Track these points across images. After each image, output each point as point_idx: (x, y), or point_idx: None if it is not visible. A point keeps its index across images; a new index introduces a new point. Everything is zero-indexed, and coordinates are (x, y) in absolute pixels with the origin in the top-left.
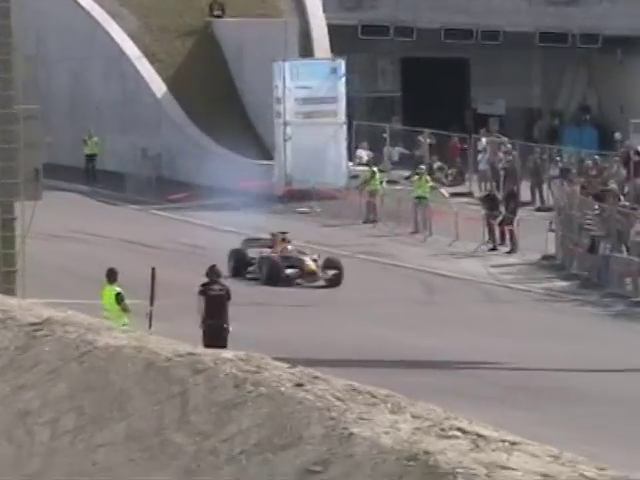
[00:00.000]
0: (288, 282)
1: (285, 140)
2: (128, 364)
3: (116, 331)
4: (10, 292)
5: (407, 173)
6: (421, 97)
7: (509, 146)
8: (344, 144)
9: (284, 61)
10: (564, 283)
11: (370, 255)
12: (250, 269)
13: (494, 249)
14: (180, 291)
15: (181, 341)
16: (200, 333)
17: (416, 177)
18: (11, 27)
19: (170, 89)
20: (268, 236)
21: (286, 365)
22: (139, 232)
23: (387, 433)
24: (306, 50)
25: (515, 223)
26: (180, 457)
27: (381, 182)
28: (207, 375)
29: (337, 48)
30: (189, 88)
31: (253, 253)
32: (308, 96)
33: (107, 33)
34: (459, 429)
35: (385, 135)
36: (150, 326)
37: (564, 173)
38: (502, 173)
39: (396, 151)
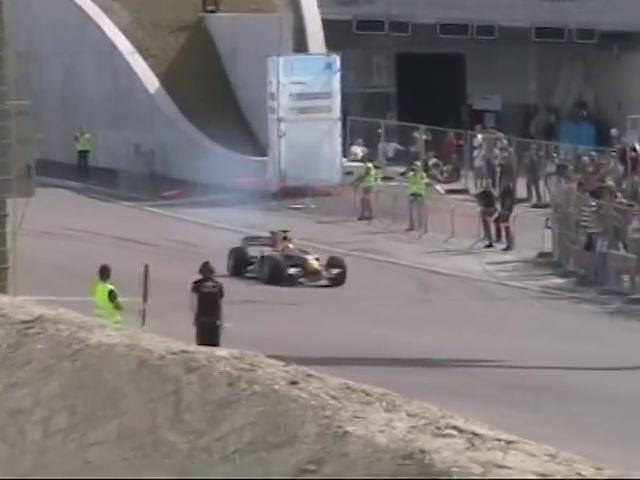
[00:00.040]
0: (290, 281)
1: (279, 136)
2: (121, 362)
3: (109, 329)
4: (2, 289)
5: (402, 169)
6: (416, 93)
7: (505, 142)
8: (339, 140)
9: (278, 56)
10: (561, 280)
11: (365, 252)
12: (250, 268)
13: (490, 246)
14: (173, 288)
15: (174, 339)
16: (193, 330)
17: (411, 173)
18: (3, 22)
19: (163, 85)
20: (268, 234)
21: (280, 363)
22: (132, 229)
23: (382, 432)
24: (300, 45)
25: (511, 220)
26: (173, 456)
27: (376, 178)
28: (201, 373)
29: (332, 43)
30: (182, 84)
31: (253, 252)
32: (302, 92)
33: (99, 28)
34: (455, 428)
35: (380, 131)
36: (143, 324)
37: (561, 169)
38: (498, 169)
39: (391, 147)
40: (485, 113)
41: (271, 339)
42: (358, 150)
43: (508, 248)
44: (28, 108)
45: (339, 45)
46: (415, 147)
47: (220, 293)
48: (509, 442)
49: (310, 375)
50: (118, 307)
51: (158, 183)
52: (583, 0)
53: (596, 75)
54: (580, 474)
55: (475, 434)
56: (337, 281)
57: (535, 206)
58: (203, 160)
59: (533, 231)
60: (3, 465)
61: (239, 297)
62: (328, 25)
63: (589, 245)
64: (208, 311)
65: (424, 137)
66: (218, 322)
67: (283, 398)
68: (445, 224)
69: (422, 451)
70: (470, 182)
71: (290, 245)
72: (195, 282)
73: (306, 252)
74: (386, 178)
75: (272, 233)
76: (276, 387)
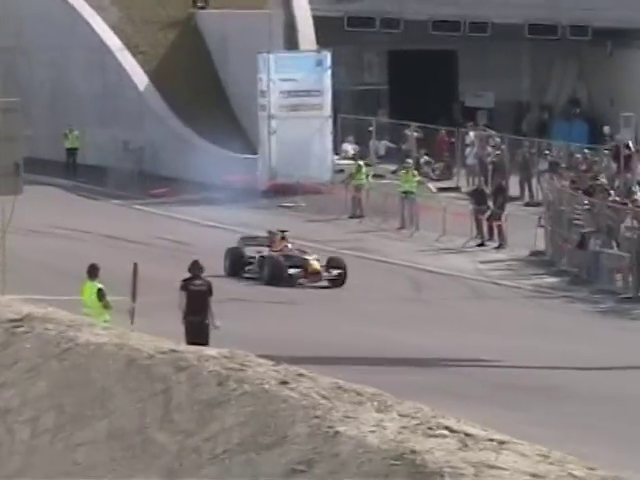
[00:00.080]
0: (291, 282)
1: (269, 133)
2: (109, 361)
3: (97, 328)
4: None
5: (394, 167)
6: (408, 90)
7: (497, 140)
8: (329, 138)
9: (269, 53)
10: (553, 279)
11: (356, 251)
12: (248, 268)
13: (482, 245)
14: (162, 287)
15: (163, 338)
16: (183, 329)
17: (403, 171)
18: None
19: (153, 81)
20: (265, 234)
21: (270, 363)
22: (121, 227)
23: (373, 432)
24: (291, 42)
25: (503, 218)
26: (162, 456)
27: (367, 176)
28: (190, 373)
29: (323, 40)
30: (172, 80)
31: (249, 252)
32: (293, 89)
33: (88, 25)
34: (446, 428)
35: (371, 128)
36: (132, 323)
37: (553, 167)
38: (490, 167)
39: (382, 145)
40: (477, 110)
41: (261, 338)
42: (349, 148)
43: (500, 247)
44: (16, 105)
45: (330, 42)
46: (407, 145)
47: (209, 292)
48: (501, 442)
49: (301, 375)
50: (107, 306)
51: (147, 181)
52: None
53: (589, 72)
54: (572, 474)
55: (467, 434)
56: (337, 282)
57: (528, 204)
58: (193, 158)
59: (525, 229)
60: None
61: (239, 297)
62: (319, 22)
63: (582, 244)
64: (197, 310)
65: (416, 135)
66: (207, 321)
67: (273, 398)
68: (437, 222)
69: (414, 452)
70: (462, 180)
71: (289, 245)
72: (184, 280)
73: (305, 252)
74: (377, 176)
75: (270, 233)
76: (266, 387)
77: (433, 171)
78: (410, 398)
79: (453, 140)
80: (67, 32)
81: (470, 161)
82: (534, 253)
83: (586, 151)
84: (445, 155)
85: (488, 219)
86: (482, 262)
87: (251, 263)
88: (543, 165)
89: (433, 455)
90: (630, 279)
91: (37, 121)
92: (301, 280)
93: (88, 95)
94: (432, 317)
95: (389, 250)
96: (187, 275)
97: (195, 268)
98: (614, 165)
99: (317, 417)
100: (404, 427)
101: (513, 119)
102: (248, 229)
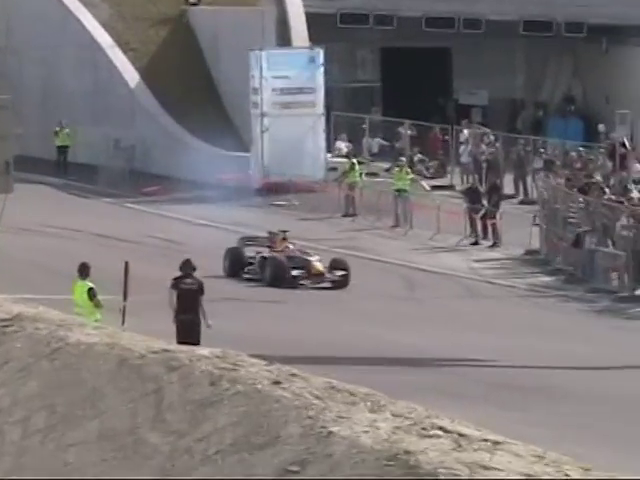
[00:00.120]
0: (293, 283)
1: (262, 131)
2: (100, 361)
3: (88, 327)
4: None
5: (387, 165)
6: (402, 87)
7: (492, 137)
8: (322, 135)
9: (261, 50)
10: (548, 278)
11: (349, 249)
12: (248, 269)
13: (476, 243)
14: (154, 286)
15: (155, 337)
16: (174, 329)
17: (396, 169)
18: None
19: (144, 79)
20: (265, 234)
21: (263, 362)
22: (112, 226)
23: (367, 432)
24: (284, 39)
25: (498, 217)
26: (154, 457)
27: (360, 174)
28: (182, 372)
29: (315, 37)
30: (164, 78)
31: (249, 252)
32: (286, 86)
33: (79, 22)
34: (440, 428)
35: (364, 126)
36: (123, 322)
37: (548, 165)
38: (484, 165)
39: (376, 143)
40: (472, 108)
41: (254, 338)
42: (342, 145)
43: (495, 245)
44: (7, 103)
45: (323, 39)
46: (400, 142)
47: (200, 291)
48: (496, 443)
49: (294, 375)
50: (98, 305)
51: (138, 179)
52: None
53: (584, 69)
54: (567, 475)
55: (461, 435)
56: (341, 283)
57: (522, 202)
58: (184, 156)
59: (520, 228)
60: None
61: (232, 297)
62: (312, 18)
63: (577, 242)
64: (187, 308)
65: (409, 132)
66: (197, 320)
67: (266, 398)
68: (431, 221)
69: (407, 452)
70: (456, 178)
71: (290, 246)
72: (175, 279)
73: (308, 253)
74: (371, 174)
75: (270, 233)
76: (259, 387)
77: (427, 169)
78: (404, 398)
79: (447, 138)
80: (57, 29)
81: (464, 159)
82: (529, 252)
83: (581, 149)
84: (439, 153)
85: (482, 217)
86: (476, 261)
87: (251, 264)
88: (538, 163)
89: (427, 455)
90: (626, 278)
91: (28, 119)
92: (304, 281)
93: (79, 93)
94: (426, 316)
95: (382, 249)
96: (178, 273)
97: (186, 267)
98: (609, 163)
99: (310, 417)
100: (398, 427)
101: (508, 117)
102: (241, 228)
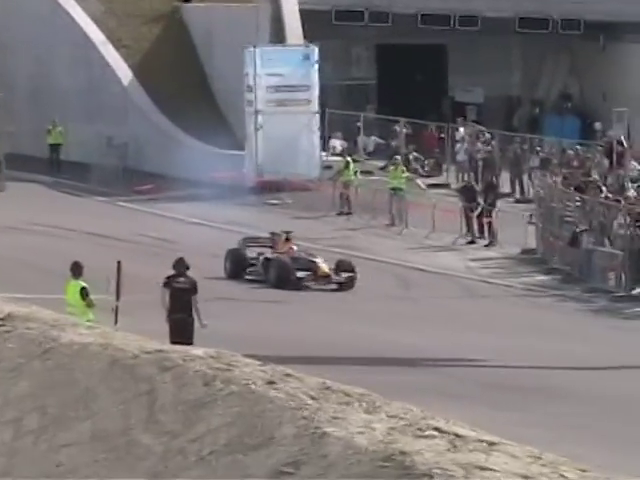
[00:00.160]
0: (298, 285)
1: (256, 129)
2: (93, 361)
3: (81, 327)
4: None
5: (382, 163)
6: (397, 85)
7: (488, 136)
8: (317, 133)
9: (255, 47)
10: (545, 278)
11: (344, 248)
12: (250, 270)
13: (472, 242)
14: (147, 285)
15: (148, 337)
16: (167, 328)
17: (392, 168)
18: None
19: (137, 76)
20: (267, 235)
21: (257, 362)
22: (105, 225)
23: (361, 433)
24: (278, 36)
25: (494, 215)
26: (147, 458)
27: (355, 173)
28: (175, 373)
29: (310, 34)
30: (157, 75)
31: (251, 253)
32: (280, 84)
33: (71, 18)
34: (436, 429)
35: (359, 124)
36: (116, 322)
37: (545, 164)
38: (480, 163)
39: (371, 141)
40: (467, 106)
41: (248, 337)
42: (337, 144)
43: (491, 244)
44: None
45: (317, 36)
46: (395, 140)
47: (193, 290)
48: (492, 443)
49: (288, 375)
50: (90, 305)
51: (132, 177)
52: None
53: (581, 67)
54: (564, 476)
55: (457, 435)
56: (347, 285)
57: (518, 201)
58: (178, 154)
59: (516, 227)
60: None
61: (226, 296)
62: (306, 15)
63: (574, 241)
64: (180, 308)
65: (405, 130)
66: (190, 319)
67: (260, 398)
68: (426, 219)
69: (402, 453)
70: (452, 176)
71: (294, 247)
72: (167, 277)
73: (312, 254)
74: (366, 172)
75: (272, 234)
76: (253, 387)
77: (422, 167)
78: (399, 398)
79: (443, 136)
80: (49, 26)
81: (460, 157)
82: (525, 251)
83: (578, 147)
84: (435, 151)
85: (478, 216)
86: (472, 260)
87: (253, 265)
88: (534, 161)
89: (422, 456)
90: (623, 277)
91: (20, 117)
92: (310, 283)
93: (71, 90)
94: (422, 316)
95: (378, 248)
96: (171, 272)
97: (180, 265)
98: (606, 161)
99: (304, 418)
100: (393, 428)
101: (504, 114)
102: (234, 226)
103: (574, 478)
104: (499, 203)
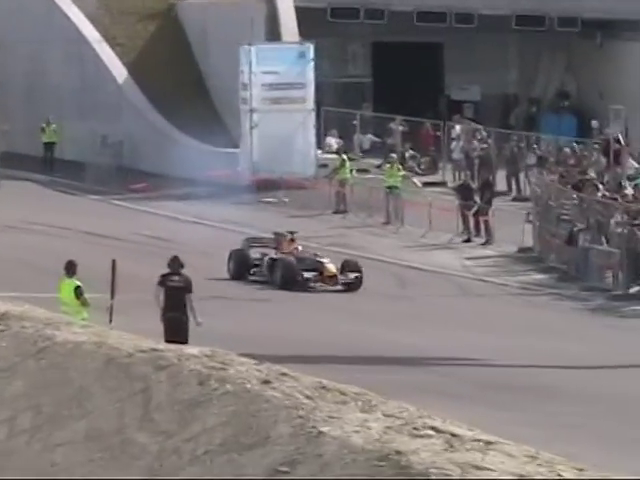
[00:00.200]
0: (305, 286)
1: (251, 127)
2: (88, 360)
3: (75, 326)
4: None
5: (378, 162)
6: (393, 83)
7: (484, 134)
8: (313, 131)
9: (250, 45)
10: (541, 276)
11: (340, 247)
12: (254, 271)
13: (469, 241)
14: (142, 284)
15: (143, 336)
16: (162, 327)
17: (388, 166)
18: None
19: (131, 74)
20: (271, 235)
21: (253, 361)
22: (99, 223)
23: (357, 432)
24: (273, 34)
25: (490, 214)
26: (142, 457)
27: (351, 171)
28: (170, 372)
29: (305, 32)
30: (151, 73)
31: (254, 254)
32: (275, 82)
33: (65, 16)
34: (432, 428)
35: (355, 122)
36: (111, 321)
37: (541, 162)
38: (477, 162)
39: (367, 139)
40: (464, 104)
41: (243, 336)
42: (333, 142)
43: (487, 243)
44: None
45: (313, 33)
46: (391, 139)
47: (187, 288)
48: (488, 443)
49: (284, 374)
50: (85, 304)
51: (126, 176)
52: None
53: (578, 64)
54: (561, 475)
55: (453, 435)
56: (354, 286)
57: (515, 199)
58: (173, 152)
59: (513, 225)
60: None
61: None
62: (302, 13)
63: (571, 239)
64: (174, 306)
65: (401, 128)
66: (185, 317)
67: (255, 398)
68: (422, 218)
69: (399, 452)
70: (448, 174)
71: (299, 247)
72: (162, 275)
73: (318, 255)
74: (362, 170)
75: (276, 234)
76: (248, 386)
77: (418, 165)
78: (395, 398)
79: (439, 134)
80: (44, 24)
81: (456, 155)
82: (522, 249)
83: (575, 145)
84: (431, 149)
85: (475, 214)
86: (469, 258)
87: (257, 265)
88: (531, 159)
89: (419, 456)
90: (620, 276)
91: (14, 115)
92: (316, 284)
93: (65, 88)
94: (417, 315)
95: (374, 246)
96: (166, 270)
97: (174, 264)
98: (603, 159)
99: (300, 417)
100: (389, 427)
101: (500, 112)
102: (230, 225)
103: (570, 477)
104: (495, 201)
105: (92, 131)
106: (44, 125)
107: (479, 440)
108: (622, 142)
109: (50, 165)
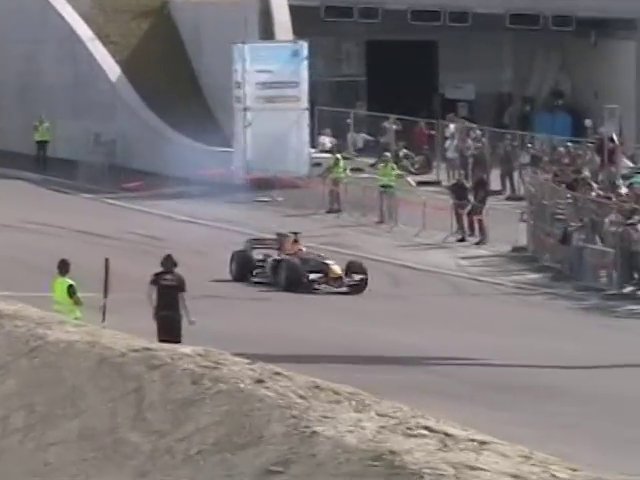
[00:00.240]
0: (310, 288)
1: (245, 126)
2: (81, 360)
3: (68, 325)
4: None
5: (372, 160)
6: (387, 81)
7: (478, 132)
8: (306, 130)
9: (244, 43)
10: (535, 275)
11: (334, 246)
12: (256, 272)
13: (463, 240)
14: (135, 283)
15: (136, 335)
16: (155, 326)
17: (381, 165)
18: None
19: (125, 72)
20: (274, 236)
21: (246, 361)
22: (92, 222)
23: (351, 432)
24: (267, 32)
25: (484, 213)
26: (135, 457)
27: (345, 170)
28: (163, 371)
29: (299, 30)
30: (145, 71)
31: (257, 255)
32: (269, 80)
33: (59, 14)
34: (426, 428)
35: (349, 121)
36: (103, 320)
37: (536, 161)
38: (471, 161)
39: (361, 138)
40: (458, 102)
41: (237, 335)
42: (326, 141)
43: (481, 242)
44: None
45: (307, 32)
46: (385, 137)
47: (180, 287)
48: (482, 443)
49: (277, 373)
50: (78, 303)
51: (119, 174)
52: None
53: (573, 63)
54: (555, 476)
55: (447, 434)
56: (359, 287)
57: (509, 198)
58: (166, 151)
59: (507, 224)
60: None
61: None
62: (295, 11)
63: (565, 239)
64: (167, 305)
65: (394, 127)
66: (177, 316)
67: (249, 397)
68: (416, 217)
69: (392, 452)
70: (442, 173)
71: (303, 248)
72: (155, 274)
73: (322, 256)
74: (355, 169)
75: (279, 235)
76: (241, 386)
77: (412, 164)
78: (389, 397)
79: (433, 133)
80: (37, 22)
81: (450, 154)
82: (516, 248)
83: (569, 144)
84: (425, 148)
85: (469, 214)
86: (463, 258)
87: (260, 267)
88: (525, 158)
89: (412, 455)
90: (614, 275)
91: (6, 113)
92: (321, 286)
93: (59, 86)
94: (411, 314)
95: (367, 245)
96: (159, 269)
97: (167, 263)
98: (598, 158)
99: (294, 417)
100: (383, 427)
101: (494, 111)
102: (224, 224)
103: (565, 477)
104: (490, 200)
105: (85, 129)
106: (37, 123)
107: (473, 440)
108: (616, 141)
109: (43, 164)
